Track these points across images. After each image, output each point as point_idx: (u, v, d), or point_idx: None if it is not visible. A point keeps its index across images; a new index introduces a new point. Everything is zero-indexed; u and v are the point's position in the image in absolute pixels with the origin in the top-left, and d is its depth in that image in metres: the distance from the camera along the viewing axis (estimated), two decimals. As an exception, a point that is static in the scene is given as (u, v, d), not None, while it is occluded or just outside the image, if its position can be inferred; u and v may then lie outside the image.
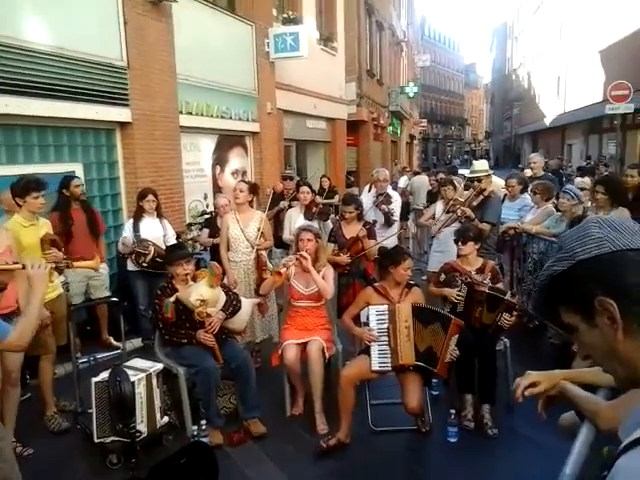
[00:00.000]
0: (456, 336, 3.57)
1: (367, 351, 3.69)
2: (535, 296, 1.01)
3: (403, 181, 11.79)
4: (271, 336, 4.88)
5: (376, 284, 4.00)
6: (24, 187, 3.97)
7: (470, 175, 5.65)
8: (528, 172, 8.05)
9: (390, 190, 6.03)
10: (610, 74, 17.64)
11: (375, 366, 3.63)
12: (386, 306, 3.70)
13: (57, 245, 4.14)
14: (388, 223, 5.39)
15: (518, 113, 40.88)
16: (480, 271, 4.22)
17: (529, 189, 6.16)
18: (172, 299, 3.75)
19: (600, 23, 19.79)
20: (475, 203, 5.24)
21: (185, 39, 7.54)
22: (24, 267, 2.34)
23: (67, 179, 5.15)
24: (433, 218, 5.74)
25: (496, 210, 5.35)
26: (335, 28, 14.33)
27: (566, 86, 25.50)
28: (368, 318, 3.72)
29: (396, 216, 5.85)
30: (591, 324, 0.89)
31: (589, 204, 5.62)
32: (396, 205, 5.97)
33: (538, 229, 5.46)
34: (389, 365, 3.62)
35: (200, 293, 3.70)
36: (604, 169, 12.77)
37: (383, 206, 5.43)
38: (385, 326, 3.65)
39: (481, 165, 5.67)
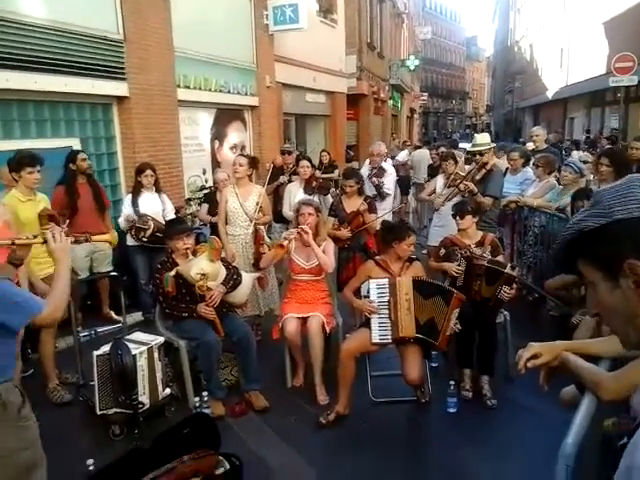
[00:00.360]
0: (457, 310, 3.57)
1: (367, 324, 3.71)
2: (556, 246, 0.98)
3: (404, 155, 11.70)
4: (271, 309, 4.90)
5: (377, 257, 3.99)
6: (18, 162, 3.97)
7: (472, 149, 5.60)
8: (530, 145, 7.98)
9: (385, 164, 6.02)
10: (614, 46, 17.34)
11: (375, 338, 3.65)
12: (387, 279, 3.70)
13: (55, 220, 4.12)
14: (380, 196, 5.40)
15: (520, 86, 40.37)
16: (480, 244, 4.21)
17: (531, 162, 6.12)
18: (172, 273, 3.75)
19: (604, -6, 19.40)
20: (478, 177, 5.21)
21: (182, 11, 7.40)
22: (45, 241, 2.34)
23: (74, 153, 5.15)
24: (434, 192, 5.71)
25: (498, 184, 5.32)
26: (335, -1, 14.08)
27: (569, 58, 25.12)
28: (369, 291, 3.73)
29: (389, 189, 5.85)
30: (613, 284, 0.87)
31: (592, 177, 5.59)
32: (389, 179, 5.99)
33: (539, 203, 5.43)
34: (389, 337, 3.64)
35: (201, 267, 3.70)
36: (606, 142, 12.65)
37: (374, 179, 5.44)
38: (386, 299, 3.66)
39: (483, 138, 5.61)
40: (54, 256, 2.32)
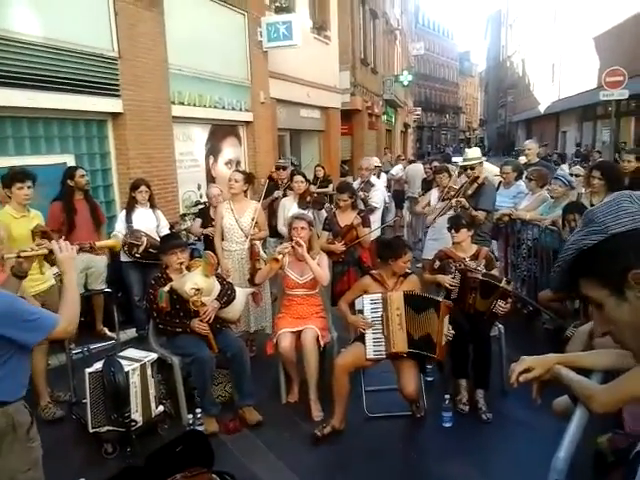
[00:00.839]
0: (447, 317, 3.58)
1: (362, 339, 3.70)
2: (557, 269, 0.99)
3: (398, 169, 11.77)
4: (263, 327, 4.88)
5: (373, 272, 3.99)
6: (10, 178, 3.99)
7: (463, 163, 5.65)
8: (523, 159, 8.04)
9: (373, 178, 6.10)
10: (604, 60, 17.59)
11: (370, 354, 3.63)
12: (379, 294, 3.70)
13: (48, 236, 4.11)
14: (368, 209, 5.48)
15: (512, 101, 40.83)
16: (474, 258, 4.22)
17: (524, 176, 6.16)
18: (166, 288, 3.74)
19: (594, 9, 19.73)
20: (470, 192, 5.24)
21: (177, 29, 7.47)
22: (51, 251, 2.33)
23: (71, 169, 5.19)
24: (429, 205, 5.76)
25: (490, 197, 5.35)
26: (328, 16, 14.23)
27: (561, 73, 25.46)
28: (363, 307, 3.73)
29: (376, 203, 5.94)
30: (620, 298, 0.88)
31: (583, 190, 5.63)
32: (376, 193, 6.07)
33: (532, 215, 5.47)
34: (384, 353, 3.63)
35: (195, 282, 3.69)
36: (598, 156, 12.77)
37: (360, 192, 5.50)
38: (379, 314, 3.66)
39: (474, 153, 5.67)
40: (60, 267, 2.33)
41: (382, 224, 5.21)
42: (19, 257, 2.36)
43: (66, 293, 2.27)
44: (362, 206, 5.36)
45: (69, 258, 2.32)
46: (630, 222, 0.87)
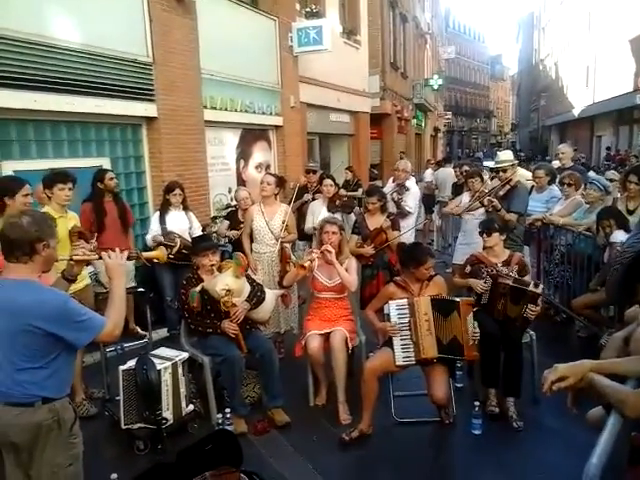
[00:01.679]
0: (470, 315, 3.54)
1: (390, 343, 3.67)
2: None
3: (427, 174, 11.69)
4: (292, 327, 4.91)
5: (397, 278, 3.97)
6: (52, 179, 4.11)
7: (495, 166, 5.58)
8: (556, 163, 7.90)
9: (409, 182, 6.02)
10: (641, 63, 17.16)
11: (399, 361, 3.60)
12: (406, 300, 3.67)
13: (85, 237, 4.24)
14: (401, 213, 5.40)
15: (545, 104, 40.09)
16: (506, 263, 4.15)
17: (557, 180, 6.05)
18: (198, 289, 3.80)
19: (630, 11, 19.26)
20: (502, 193, 5.17)
21: (209, 35, 7.59)
22: (100, 257, 2.41)
23: (102, 172, 5.29)
24: (458, 206, 5.72)
25: (523, 200, 5.27)
26: (358, 21, 14.26)
27: (595, 76, 24.91)
28: (389, 312, 3.72)
29: (410, 208, 5.82)
30: None
31: (618, 195, 5.50)
32: (410, 198, 5.96)
33: (565, 221, 5.36)
34: (413, 359, 3.61)
35: (226, 283, 3.74)
36: (635, 160, 12.43)
37: (394, 194, 5.44)
38: (406, 320, 3.63)
39: (506, 155, 5.60)
40: (109, 273, 2.38)
41: (407, 229, 5.15)
42: (71, 260, 2.43)
43: (114, 297, 2.32)
44: (395, 209, 5.33)
45: (118, 265, 2.38)
46: None
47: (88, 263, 4.18)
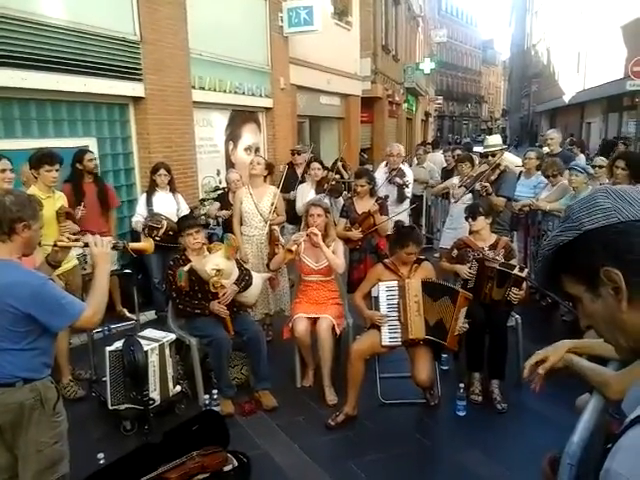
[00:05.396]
0: (465, 309, 3.57)
1: (377, 325, 3.71)
2: (539, 265, 1.00)
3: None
4: (282, 309, 4.92)
5: (386, 260, 3.99)
6: (38, 160, 4.05)
7: (484, 150, 5.60)
8: (545, 149, 7.92)
9: (403, 166, 5.98)
10: (632, 50, 17.16)
11: (386, 341, 3.65)
12: (396, 282, 3.70)
13: (72, 218, 4.21)
14: (401, 198, 5.36)
15: (537, 90, 40.05)
16: (493, 247, 4.18)
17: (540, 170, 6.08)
18: (186, 268, 3.79)
19: (623, -3, 19.20)
20: (493, 177, 5.21)
21: (198, 13, 7.47)
22: (86, 245, 2.39)
23: (80, 153, 5.19)
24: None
25: (512, 185, 5.33)
26: (350, 2, 14.08)
27: (586, 62, 24.89)
28: (379, 294, 3.74)
29: (408, 192, 5.80)
30: (595, 294, 0.89)
31: (606, 181, 5.53)
32: (409, 181, 5.93)
33: (553, 206, 5.39)
34: (399, 340, 3.65)
35: (216, 263, 3.74)
36: (623, 147, 12.49)
37: (397, 179, 5.39)
38: (395, 301, 3.67)
39: (495, 139, 5.63)
40: (94, 260, 2.37)
41: (398, 212, 5.13)
42: (55, 246, 2.41)
43: (96, 284, 2.31)
44: (396, 196, 5.28)
45: (103, 253, 2.36)
46: (603, 218, 0.86)
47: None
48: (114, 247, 2.51)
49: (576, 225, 0.90)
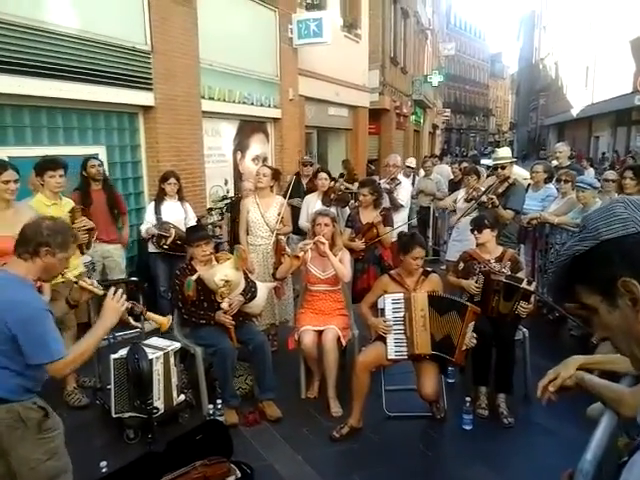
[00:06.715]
0: (472, 323, 3.53)
1: (383, 338, 3.68)
2: (553, 275, 0.98)
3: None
4: (287, 320, 4.90)
5: (392, 272, 3.96)
6: (42, 166, 4.08)
7: (494, 163, 5.59)
8: (554, 162, 7.89)
9: (400, 176, 6.09)
10: (641, 64, 17.17)
11: (391, 355, 3.61)
12: (402, 294, 3.66)
13: (87, 214, 4.25)
14: (393, 204, 5.43)
15: (544, 104, 40.11)
16: (499, 260, 4.16)
17: (554, 179, 6.06)
18: (194, 277, 3.79)
19: (631, 12, 19.25)
20: (500, 190, 5.21)
21: (208, 24, 7.54)
22: (105, 293, 2.39)
23: (85, 160, 5.23)
24: (455, 203, 5.75)
25: (520, 197, 5.31)
26: (359, 14, 14.18)
27: (595, 76, 24.92)
28: (384, 306, 3.71)
29: (402, 201, 5.88)
30: (612, 305, 0.87)
31: (615, 195, 5.50)
32: (402, 192, 6.01)
33: (562, 219, 5.36)
34: (405, 354, 3.61)
35: (225, 273, 3.74)
36: (631, 161, 12.46)
37: (386, 185, 5.47)
38: (401, 314, 3.63)
39: (504, 152, 5.61)
40: (103, 312, 2.33)
41: (404, 224, 5.17)
42: (76, 283, 2.44)
43: (89, 338, 2.28)
44: (388, 202, 5.32)
45: (115, 309, 2.33)
46: (621, 228, 0.85)
47: (82, 252, 4.20)
48: (130, 310, 2.48)
49: (593, 235, 0.88)
